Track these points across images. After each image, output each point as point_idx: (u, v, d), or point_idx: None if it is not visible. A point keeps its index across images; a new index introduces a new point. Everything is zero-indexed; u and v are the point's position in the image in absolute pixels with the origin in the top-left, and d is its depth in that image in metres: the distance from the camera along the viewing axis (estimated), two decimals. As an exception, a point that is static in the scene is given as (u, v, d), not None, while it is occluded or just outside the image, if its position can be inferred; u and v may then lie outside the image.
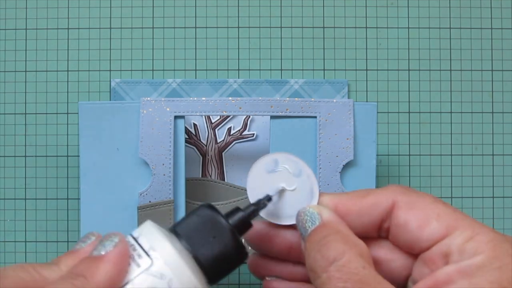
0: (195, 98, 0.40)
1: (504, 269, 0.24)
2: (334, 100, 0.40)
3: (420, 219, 0.26)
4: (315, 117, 0.40)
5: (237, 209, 0.28)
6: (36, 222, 0.47)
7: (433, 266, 0.25)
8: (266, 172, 0.30)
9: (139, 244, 0.26)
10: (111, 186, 0.40)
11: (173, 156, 0.40)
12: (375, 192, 0.28)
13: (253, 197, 0.29)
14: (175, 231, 0.27)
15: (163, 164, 0.40)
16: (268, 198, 0.29)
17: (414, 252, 0.27)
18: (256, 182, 0.30)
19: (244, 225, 0.28)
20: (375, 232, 0.28)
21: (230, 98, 0.40)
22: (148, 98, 0.40)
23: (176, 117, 0.40)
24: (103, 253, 0.25)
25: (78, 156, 0.46)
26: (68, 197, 0.47)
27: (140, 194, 0.40)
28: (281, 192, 0.29)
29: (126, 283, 0.25)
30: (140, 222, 0.40)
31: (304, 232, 0.27)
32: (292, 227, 0.29)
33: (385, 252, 0.27)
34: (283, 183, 0.29)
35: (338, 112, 0.40)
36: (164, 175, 0.40)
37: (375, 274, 0.24)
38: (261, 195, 0.29)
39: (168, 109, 0.40)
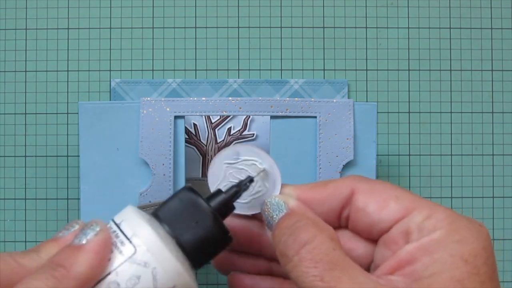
0: (195, 98, 0.40)
1: (463, 242, 0.24)
2: (334, 100, 0.40)
3: (379, 201, 0.26)
4: (315, 117, 0.40)
5: (218, 192, 0.28)
6: (36, 222, 0.47)
7: (394, 247, 0.26)
8: (228, 164, 0.30)
9: (122, 231, 0.25)
10: (111, 186, 0.40)
11: (173, 156, 0.40)
12: (335, 181, 0.28)
13: (214, 189, 0.29)
14: (157, 215, 0.27)
15: (163, 164, 0.40)
16: (250, 179, 0.28)
17: (373, 236, 0.27)
18: (218, 174, 0.29)
19: (226, 208, 0.28)
20: (335, 222, 0.28)
21: (230, 98, 0.40)
22: (148, 98, 0.40)
23: (176, 117, 0.40)
24: (84, 241, 0.24)
25: (78, 156, 0.46)
26: (68, 197, 0.47)
27: (140, 194, 0.40)
28: (263, 173, 0.29)
29: (109, 273, 0.24)
30: None
31: (271, 220, 0.27)
32: (254, 217, 0.30)
33: (345, 241, 0.28)
34: (243, 175, 0.29)
35: (338, 112, 0.40)
36: (164, 175, 0.40)
37: (345, 256, 0.25)
38: (222, 187, 0.29)
39: (168, 109, 0.40)
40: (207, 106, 0.40)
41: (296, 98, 0.41)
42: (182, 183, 0.41)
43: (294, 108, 0.40)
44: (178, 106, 0.40)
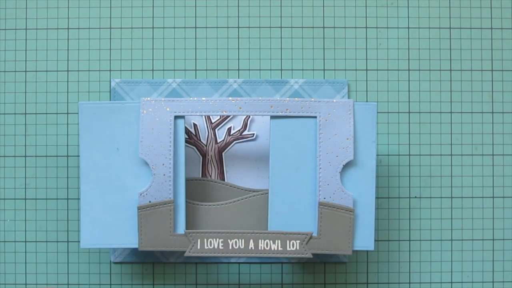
0: (195, 98, 0.40)
1: None
2: (334, 100, 0.40)
3: None
4: (315, 117, 0.40)
5: None
6: (36, 222, 0.47)
7: None
8: None
9: None
10: (111, 186, 0.40)
11: (173, 156, 0.40)
12: None
13: None
14: None
15: (163, 164, 0.40)
16: None
17: None
18: None
19: None
20: None
21: (230, 98, 0.40)
22: (148, 98, 0.40)
23: (176, 117, 0.40)
24: None
25: (78, 156, 0.46)
26: (68, 197, 0.47)
27: (140, 194, 0.40)
28: None
29: None
30: (140, 222, 0.40)
31: None
32: None
33: None
34: None
35: (338, 112, 0.40)
36: (164, 175, 0.40)
37: None
38: None
39: (168, 109, 0.40)
40: (207, 106, 0.40)
41: (296, 98, 0.41)
42: (182, 183, 0.40)
43: (294, 108, 0.40)
44: (178, 106, 0.40)
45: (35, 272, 0.47)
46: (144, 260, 0.46)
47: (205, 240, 0.40)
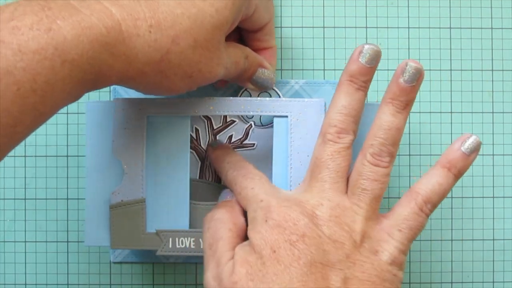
0: (167, 98, 0.40)
1: None
2: (306, 100, 0.40)
3: None
4: (287, 116, 0.40)
5: None
6: (36, 222, 0.47)
7: None
8: None
9: None
10: (113, 186, 0.40)
11: (145, 155, 0.39)
12: None
13: None
14: None
15: (135, 164, 0.39)
16: None
17: None
18: None
19: None
20: None
21: (203, 98, 0.40)
22: (121, 98, 0.40)
23: (182, 117, 0.40)
24: None
25: (81, 156, 0.46)
26: (68, 197, 0.47)
27: (112, 193, 0.39)
28: None
29: None
30: (112, 220, 0.39)
31: None
32: None
33: None
34: None
35: (309, 111, 0.39)
36: (136, 174, 0.39)
37: None
38: None
39: (140, 109, 0.39)
40: (179, 106, 0.40)
41: (267, 98, 0.40)
42: (185, 184, 0.40)
43: (265, 107, 0.40)
44: (151, 105, 0.39)
45: (34, 272, 0.47)
46: (144, 260, 0.46)
47: (177, 239, 0.40)
